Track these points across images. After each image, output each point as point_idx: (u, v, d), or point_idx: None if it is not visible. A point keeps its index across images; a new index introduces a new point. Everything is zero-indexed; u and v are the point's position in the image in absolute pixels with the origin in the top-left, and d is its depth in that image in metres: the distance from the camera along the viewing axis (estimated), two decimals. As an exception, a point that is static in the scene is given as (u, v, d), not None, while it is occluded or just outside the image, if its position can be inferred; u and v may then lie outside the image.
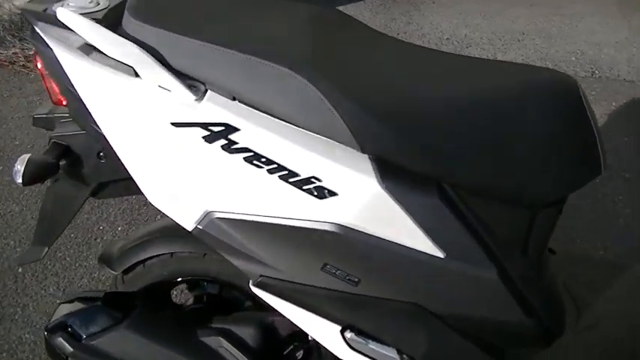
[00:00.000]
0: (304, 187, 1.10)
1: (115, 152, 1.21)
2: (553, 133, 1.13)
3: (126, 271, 1.50)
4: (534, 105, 1.13)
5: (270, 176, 1.11)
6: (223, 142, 1.10)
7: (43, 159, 1.29)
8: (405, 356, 1.26)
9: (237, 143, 1.10)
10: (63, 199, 1.39)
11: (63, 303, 1.46)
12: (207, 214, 1.20)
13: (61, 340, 1.37)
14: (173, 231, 1.50)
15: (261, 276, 1.24)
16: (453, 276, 1.16)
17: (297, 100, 1.06)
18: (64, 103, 1.26)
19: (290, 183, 1.11)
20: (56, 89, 1.25)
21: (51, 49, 1.15)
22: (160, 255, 1.46)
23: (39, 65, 1.25)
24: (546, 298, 1.24)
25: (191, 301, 1.59)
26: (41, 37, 1.16)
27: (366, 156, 1.08)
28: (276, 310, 1.39)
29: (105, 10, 1.20)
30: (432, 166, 1.08)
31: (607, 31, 4.62)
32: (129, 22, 1.15)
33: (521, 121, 1.12)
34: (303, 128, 1.08)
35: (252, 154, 1.10)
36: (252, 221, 1.18)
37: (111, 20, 1.18)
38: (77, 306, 1.43)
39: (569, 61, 4.05)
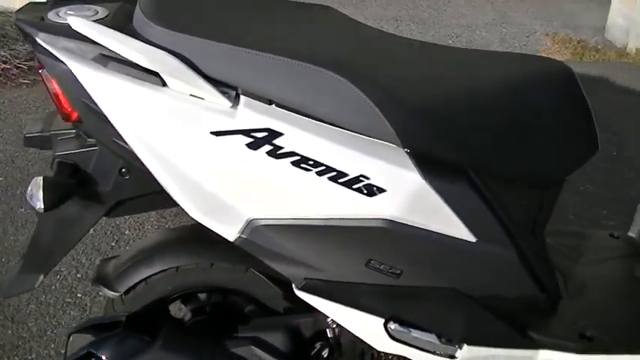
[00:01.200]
0: (354, 186, 1.20)
1: (142, 167, 1.21)
2: (559, 116, 1.35)
3: (126, 291, 1.48)
4: (540, 92, 1.34)
5: (319, 178, 1.19)
6: (268, 147, 1.16)
7: (58, 180, 1.25)
8: (443, 339, 1.44)
9: (282, 148, 1.16)
10: (69, 221, 1.34)
11: (74, 333, 1.41)
12: (250, 222, 1.24)
13: None
14: (176, 244, 1.51)
15: (305, 279, 1.33)
16: (483, 258, 1.33)
17: (338, 101, 1.15)
18: (75, 118, 1.23)
19: (340, 183, 1.20)
20: (65, 104, 1.22)
21: (62, 62, 1.15)
22: (164, 270, 1.46)
23: (49, 80, 1.21)
24: (550, 271, 1.49)
25: (189, 314, 1.61)
26: (46, 49, 1.16)
27: (403, 151, 1.21)
28: (294, 313, 1.50)
29: (106, 19, 1.22)
30: (462, 156, 1.23)
31: (475, 14, 5.15)
32: (149, 28, 1.17)
33: (531, 108, 1.32)
34: (344, 129, 1.18)
35: (299, 157, 1.17)
36: (299, 225, 1.25)
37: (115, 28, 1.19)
38: (88, 336, 1.41)
39: (448, 44, 4.47)
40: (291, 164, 1.18)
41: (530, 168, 1.34)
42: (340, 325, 1.47)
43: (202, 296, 1.62)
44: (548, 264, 1.45)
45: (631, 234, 1.94)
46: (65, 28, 1.18)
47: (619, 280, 1.76)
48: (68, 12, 1.25)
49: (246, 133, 1.16)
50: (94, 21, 1.19)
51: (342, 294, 1.33)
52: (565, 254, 1.66)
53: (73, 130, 1.32)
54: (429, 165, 1.21)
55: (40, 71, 1.23)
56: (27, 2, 1.33)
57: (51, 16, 1.23)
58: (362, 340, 1.47)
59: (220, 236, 1.47)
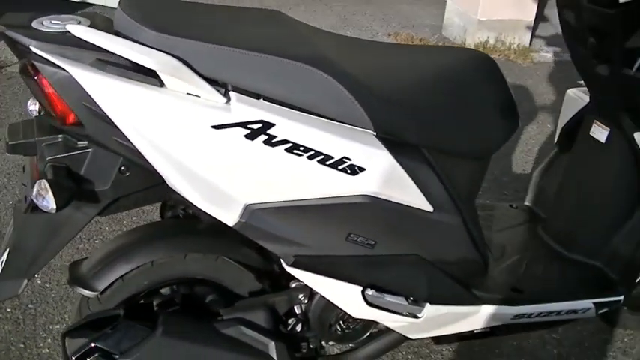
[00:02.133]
0: (339, 167, 1.46)
1: (145, 163, 1.38)
2: (487, 98, 1.72)
3: (103, 290, 1.58)
4: (472, 79, 1.72)
5: (310, 162, 1.43)
6: (264, 137, 1.39)
7: (62, 181, 1.38)
8: (410, 301, 1.73)
9: (276, 137, 1.39)
10: (58, 223, 1.45)
11: (69, 332, 1.52)
12: (247, 207, 1.45)
13: None
14: (149, 239, 1.65)
15: (295, 256, 1.57)
16: (437, 226, 1.64)
17: (320, 93, 1.41)
18: (70, 120, 1.36)
19: (327, 165, 1.45)
20: (62, 108, 1.35)
21: (61, 68, 1.29)
22: (140, 265, 1.59)
23: (44, 86, 1.33)
24: (482, 237, 1.84)
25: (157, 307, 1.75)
26: (42, 57, 1.29)
27: (373, 135, 1.52)
28: (267, 293, 1.72)
29: (91, 27, 1.36)
30: (417, 137, 1.53)
31: (318, 19, 5.58)
32: (141, 32, 1.34)
33: (465, 93, 1.69)
34: (325, 117, 1.44)
35: (291, 144, 1.41)
36: (291, 207, 1.48)
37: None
38: (84, 334, 1.53)
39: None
40: (284, 151, 1.41)
41: (468, 144, 1.67)
42: (309, 301, 1.73)
43: (165, 290, 1.78)
44: (480, 230, 1.80)
45: (527, 203, 2.35)
46: (58, 36, 1.33)
47: (527, 242, 2.16)
48: (54, 21, 1.38)
49: (242, 125, 1.37)
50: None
51: (325, 267, 1.58)
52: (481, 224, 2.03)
53: (59, 136, 1.44)
54: (394, 146, 1.50)
55: (35, 78, 1.34)
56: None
57: (36, 25, 1.35)
58: (330, 314, 1.74)
59: (190, 228, 1.68)
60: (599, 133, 2.03)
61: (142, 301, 1.69)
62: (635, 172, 1.99)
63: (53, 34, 1.33)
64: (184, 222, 1.77)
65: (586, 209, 2.10)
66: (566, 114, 2.26)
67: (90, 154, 1.43)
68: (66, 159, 1.42)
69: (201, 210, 1.46)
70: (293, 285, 1.73)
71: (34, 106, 1.57)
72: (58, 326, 2.18)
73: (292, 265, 1.53)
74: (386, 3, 6.23)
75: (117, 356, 1.46)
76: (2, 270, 1.48)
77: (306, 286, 1.69)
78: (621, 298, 1.98)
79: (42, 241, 1.47)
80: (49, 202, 1.32)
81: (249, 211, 1.45)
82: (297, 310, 1.74)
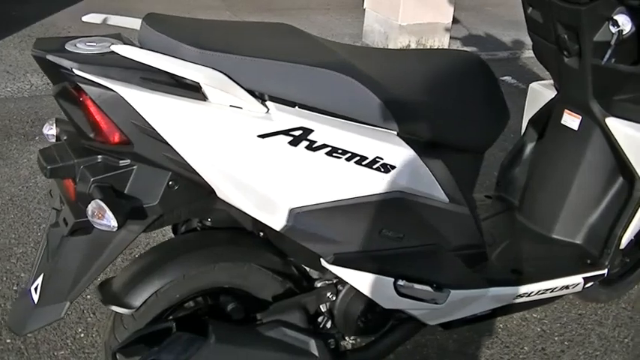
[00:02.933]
0: (374, 167, 1.57)
1: (194, 176, 1.44)
2: (484, 96, 1.88)
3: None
4: (469, 79, 1.86)
5: (348, 163, 1.54)
6: (305, 143, 1.48)
7: (116, 200, 1.41)
8: (434, 287, 1.85)
9: (316, 142, 1.49)
10: (102, 243, 1.49)
11: (121, 350, 1.56)
12: (292, 210, 1.54)
13: None
14: (179, 253, 1.69)
15: (334, 254, 1.67)
16: (451, 216, 1.78)
17: (348, 97, 1.52)
18: (115, 140, 1.41)
19: (363, 165, 1.56)
20: (108, 128, 1.39)
21: (108, 88, 1.33)
22: (172, 280, 1.63)
23: (89, 107, 1.38)
24: (480, 224, 1.99)
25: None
26: (87, 79, 1.32)
27: (395, 134, 1.64)
28: (287, 296, 1.80)
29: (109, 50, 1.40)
30: (432, 134, 1.66)
31: None
32: (180, 48, 1.40)
33: (465, 92, 1.84)
34: (354, 120, 1.55)
35: (330, 148, 1.51)
36: (331, 207, 1.58)
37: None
38: (136, 349, 1.57)
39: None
40: (325, 154, 1.51)
41: (469, 139, 1.81)
42: (336, 299, 1.82)
43: (189, 304, 1.83)
44: (479, 219, 1.95)
45: (500, 193, 2.52)
46: (99, 57, 1.37)
47: (510, 228, 2.33)
48: (89, 43, 1.42)
49: (285, 132, 1.46)
50: (103, 52, 1.39)
51: (361, 262, 1.68)
52: None
53: (99, 156, 1.47)
54: (415, 144, 1.62)
55: (80, 99, 1.39)
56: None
57: (70, 47, 1.39)
58: (355, 309, 1.84)
59: (215, 239, 1.74)
60: (571, 121, 2.21)
61: (171, 314, 1.72)
62: (607, 155, 2.18)
63: (94, 55, 1.37)
64: (208, 234, 1.82)
65: (562, 193, 2.27)
66: (532, 106, 2.44)
67: (134, 172, 1.46)
68: (110, 178, 1.45)
69: (251, 217, 1.52)
70: (319, 285, 1.81)
71: (51, 131, 1.59)
72: (62, 352, 2.17)
73: (332, 262, 1.62)
74: (298, 15, 6.37)
75: (179, 367, 1.49)
76: (40, 296, 1.50)
77: (331, 284, 1.78)
78: (605, 272, 2.17)
79: (85, 262, 1.50)
80: (109, 221, 1.36)
81: (294, 214, 1.54)
82: (323, 308, 1.82)
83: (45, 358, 2.15)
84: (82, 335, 2.25)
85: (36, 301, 1.52)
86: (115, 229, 1.37)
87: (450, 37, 5.48)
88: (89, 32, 4.53)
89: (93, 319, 2.32)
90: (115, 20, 1.60)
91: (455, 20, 5.62)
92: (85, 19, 1.59)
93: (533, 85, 2.44)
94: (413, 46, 5.34)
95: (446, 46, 5.46)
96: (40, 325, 1.53)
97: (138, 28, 1.55)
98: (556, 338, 2.42)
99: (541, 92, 2.38)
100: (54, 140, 1.60)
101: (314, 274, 1.85)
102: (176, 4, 6.05)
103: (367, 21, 5.63)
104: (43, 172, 1.48)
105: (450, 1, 5.34)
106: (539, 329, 2.46)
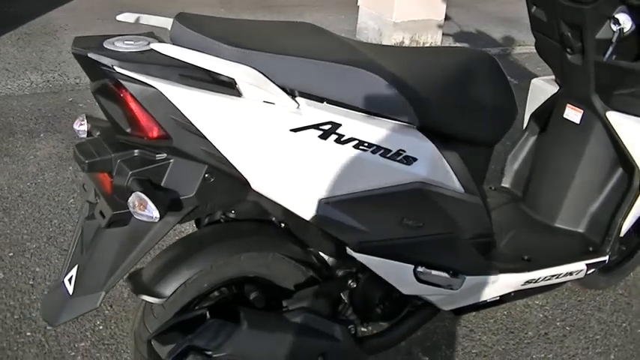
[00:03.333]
0: (397, 159, 1.66)
1: (230, 168, 1.52)
2: (494, 92, 1.98)
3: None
4: (481, 76, 1.96)
5: (374, 156, 1.63)
6: (334, 136, 1.57)
7: (156, 191, 1.48)
8: (451, 273, 1.95)
9: (344, 136, 1.58)
10: (138, 234, 1.56)
11: (156, 338, 1.64)
12: (321, 200, 1.63)
13: None
14: (206, 244, 1.76)
15: (359, 242, 1.76)
16: (465, 205, 1.88)
17: (372, 93, 1.60)
18: (154, 135, 1.48)
19: (388, 157, 1.64)
20: (147, 123, 1.46)
21: (149, 85, 1.40)
22: (201, 270, 1.71)
23: (130, 102, 1.44)
24: (489, 212, 2.09)
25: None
26: (128, 76, 1.39)
27: (415, 128, 1.74)
28: (309, 284, 1.89)
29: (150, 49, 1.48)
30: (448, 127, 1.76)
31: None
32: (215, 46, 1.47)
33: (478, 88, 1.93)
34: (378, 115, 1.65)
35: (357, 141, 1.59)
36: (357, 197, 1.67)
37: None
38: (172, 336, 1.65)
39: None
40: (352, 147, 1.60)
41: (481, 133, 1.91)
42: (356, 286, 1.91)
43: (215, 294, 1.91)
44: (489, 209, 2.05)
45: (504, 185, 2.62)
46: (138, 55, 1.44)
47: (516, 218, 2.43)
48: (126, 42, 1.50)
49: (315, 127, 1.55)
50: (141, 50, 1.46)
51: (384, 250, 1.77)
52: None
53: (135, 151, 1.54)
54: (433, 137, 1.72)
55: (120, 95, 1.45)
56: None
57: (108, 46, 1.46)
58: (374, 295, 1.93)
59: (240, 230, 1.82)
60: (574, 115, 2.32)
61: (199, 303, 1.80)
62: (608, 147, 2.28)
63: (134, 53, 1.44)
64: (233, 225, 1.90)
65: (565, 184, 2.38)
66: (534, 101, 2.54)
67: (170, 165, 1.54)
68: (147, 172, 1.52)
69: (281, 208, 1.61)
70: (340, 273, 1.89)
71: (82, 127, 1.66)
72: (82, 344, 2.24)
73: (358, 250, 1.71)
74: (292, 12, 6.44)
75: (210, 352, 1.58)
76: (76, 287, 1.57)
77: (352, 272, 1.87)
78: (606, 258, 2.27)
79: (121, 253, 1.57)
80: (151, 212, 1.42)
81: (323, 204, 1.62)
82: (343, 296, 1.91)
83: (66, 349, 2.21)
84: (101, 327, 2.32)
85: (71, 292, 1.58)
86: (157, 220, 1.43)
87: (443, 34, 5.58)
88: (89, 29, 4.57)
89: (110, 311, 2.39)
90: (146, 19, 1.67)
91: (446, 17, 5.72)
92: (119, 17, 1.66)
93: (535, 80, 2.54)
94: (407, 42, 5.44)
95: (439, 43, 5.57)
96: (75, 315, 1.59)
97: (165, 26, 1.62)
98: (558, 324, 2.53)
99: (543, 88, 2.48)
100: (85, 136, 1.66)
101: (334, 263, 1.93)
102: (169, 2, 6.10)
103: (361, 18, 5.72)
104: (80, 166, 1.54)
105: (443, -2, 5.45)
106: (541, 315, 2.57)
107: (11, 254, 2.62)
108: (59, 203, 2.95)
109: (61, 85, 4.11)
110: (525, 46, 5.57)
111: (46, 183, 3.12)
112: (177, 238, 2.18)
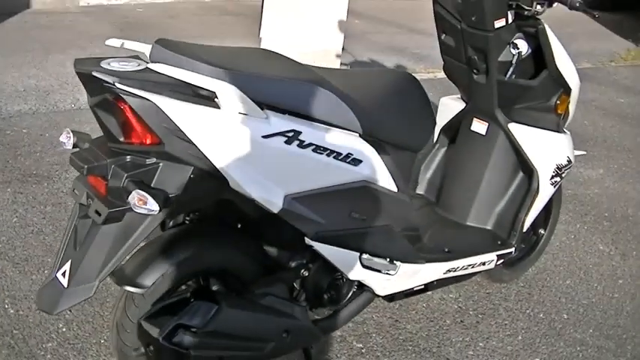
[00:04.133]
0: (347, 160, 2.00)
1: (212, 168, 1.79)
2: (419, 107, 2.37)
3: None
4: (403, 92, 2.35)
5: (328, 158, 1.96)
6: (297, 142, 1.89)
7: (152, 189, 1.74)
8: (388, 260, 2.29)
9: (304, 141, 1.90)
10: (132, 229, 1.81)
11: (146, 319, 1.89)
12: (286, 196, 1.93)
13: (181, 338, 1.83)
14: (179, 241, 2.03)
15: (316, 232, 2.07)
16: (398, 202, 2.25)
17: (326, 106, 1.94)
18: (148, 141, 1.75)
19: (339, 160, 1.98)
20: (143, 131, 1.74)
21: (145, 98, 1.68)
22: (178, 262, 1.96)
23: (127, 114, 1.72)
24: (415, 209, 2.46)
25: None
26: (127, 91, 1.66)
27: (358, 136, 2.09)
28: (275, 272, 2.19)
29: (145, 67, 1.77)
30: (384, 135, 2.13)
31: None
32: (197, 65, 1.77)
33: (406, 103, 2.32)
34: (329, 125, 1.98)
35: (315, 146, 1.92)
36: (315, 194, 1.98)
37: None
38: (162, 317, 1.89)
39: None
40: (311, 151, 1.92)
41: (409, 140, 2.28)
42: (308, 275, 2.22)
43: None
44: (413, 206, 2.42)
45: (419, 192, 3.00)
46: (135, 73, 1.72)
47: (433, 219, 2.80)
48: (121, 62, 1.77)
49: (281, 134, 1.86)
50: (135, 70, 1.74)
51: (336, 239, 2.09)
52: None
53: (127, 157, 1.80)
54: (373, 143, 2.07)
55: (122, 107, 1.73)
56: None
57: (105, 65, 1.73)
58: (323, 283, 2.24)
59: (205, 231, 2.09)
60: (480, 127, 2.72)
61: (173, 293, 2.05)
62: (510, 154, 2.70)
63: (131, 72, 1.72)
64: (199, 226, 2.18)
65: (474, 187, 2.77)
66: (443, 117, 2.93)
67: (160, 168, 1.80)
68: (140, 174, 1.78)
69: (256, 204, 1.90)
70: (293, 264, 2.20)
71: (67, 140, 1.91)
72: (50, 344, 2.43)
73: (314, 239, 2.02)
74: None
75: (196, 329, 1.86)
76: (70, 279, 1.81)
77: (304, 263, 2.18)
78: (513, 250, 2.67)
79: (115, 246, 1.81)
80: (152, 206, 1.69)
81: (288, 199, 1.93)
82: (296, 285, 2.22)
83: (35, 349, 2.40)
84: (64, 330, 2.52)
85: (65, 284, 1.81)
86: (156, 213, 1.70)
87: (341, 64, 5.99)
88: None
89: (70, 315, 2.58)
90: (129, 45, 1.94)
91: (342, 47, 6.13)
92: (107, 42, 1.92)
93: (443, 99, 2.94)
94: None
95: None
96: (72, 304, 1.83)
97: (143, 51, 1.89)
98: (471, 312, 2.91)
99: (451, 105, 2.88)
100: (70, 147, 1.90)
101: (287, 256, 2.22)
102: (67, 33, 6.26)
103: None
104: (80, 170, 1.79)
105: (341, 29, 5.85)
106: (456, 306, 2.94)
107: (-35, 269, 2.76)
108: (4, 222, 3.11)
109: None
110: (416, 74, 6.02)
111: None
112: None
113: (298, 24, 5.64)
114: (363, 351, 2.60)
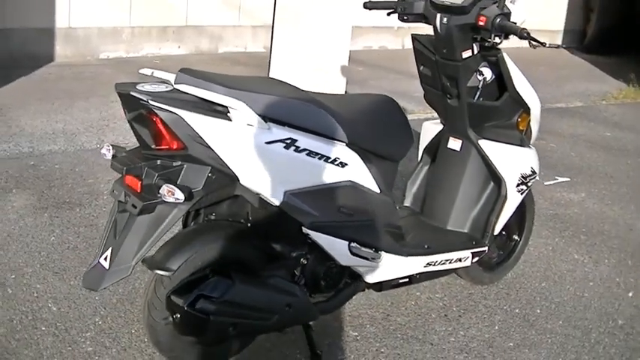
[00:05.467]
0: (335, 163, 2.50)
1: (226, 169, 2.28)
2: (395, 124, 2.88)
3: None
4: (383, 111, 2.86)
5: (319, 161, 2.44)
6: (294, 147, 2.37)
7: (179, 184, 2.24)
8: (374, 250, 2.76)
9: (300, 147, 2.39)
10: (162, 218, 2.27)
11: (172, 294, 2.36)
12: (286, 192, 2.41)
13: (202, 306, 2.30)
14: (201, 234, 2.50)
15: (311, 222, 2.55)
16: (380, 202, 2.72)
17: (317, 120, 2.43)
18: (175, 147, 2.25)
19: (329, 163, 2.47)
20: (171, 138, 2.24)
21: (174, 112, 2.19)
22: (198, 250, 2.43)
23: (159, 125, 2.22)
24: (397, 210, 2.95)
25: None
26: (160, 107, 2.17)
27: (345, 144, 2.59)
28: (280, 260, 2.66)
29: (172, 89, 2.30)
30: (368, 145, 2.61)
31: None
32: (213, 87, 2.27)
33: (386, 120, 2.82)
34: (320, 135, 2.48)
35: (309, 151, 2.41)
36: (310, 190, 2.46)
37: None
38: (185, 290, 2.37)
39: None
40: (306, 155, 2.41)
41: (389, 151, 2.78)
42: (306, 263, 2.70)
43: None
44: (396, 207, 2.90)
45: (405, 204, 3.48)
46: (165, 93, 2.23)
47: (417, 225, 3.28)
48: (153, 85, 2.30)
49: (281, 141, 2.35)
50: (164, 91, 2.26)
51: (328, 229, 2.56)
52: None
53: (158, 160, 2.31)
54: (358, 151, 2.57)
55: (154, 120, 2.24)
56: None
57: (140, 87, 2.25)
58: (319, 270, 2.71)
59: (225, 226, 2.58)
60: (455, 144, 3.22)
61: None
62: (482, 166, 3.18)
63: (161, 92, 2.24)
64: (215, 223, 2.67)
65: (452, 197, 3.24)
66: (425, 139, 3.43)
67: (184, 169, 2.30)
68: (168, 173, 2.28)
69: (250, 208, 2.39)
70: (294, 254, 2.67)
71: (108, 151, 2.41)
72: (88, 334, 2.87)
73: (310, 228, 2.50)
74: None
75: (214, 298, 2.33)
76: (111, 262, 2.28)
77: (303, 254, 2.65)
78: (486, 249, 3.14)
79: (148, 232, 2.28)
80: (179, 195, 2.17)
81: (287, 194, 2.41)
82: (297, 272, 2.69)
83: (76, 337, 2.85)
84: (100, 322, 2.97)
85: (107, 267, 2.28)
86: (182, 201, 2.18)
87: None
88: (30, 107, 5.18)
89: (104, 311, 3.04)
90: (158, 73, 2.46)
91: (345, 92, 6.66)
92: (141, 71, 2.44)
93: (425, 123, 3.44)
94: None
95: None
96: (113, 281, 2.31)
97: (169, 78, 2.40)
98: (454, 308, 3.35)
99: (431, 128, 3.38)
100: (110, 157, 2.41)
101: (286, 249, 2.69)
102: (90, 83, 6.81)
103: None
104: (120, 172, 2.29)
105: (343, 74, 6.40)
106: (441, 304, 3.39)
107: (13, 277, 3.24)
108: (43, 240, 3.61)
109: (18, 153, 4.75)
110: (415, 114, 6.50)
111: (27, 226, 3.76)
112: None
113: (303, 70, 6.16)
114: (358, 338, 3.03)
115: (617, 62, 10.60)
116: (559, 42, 11.78)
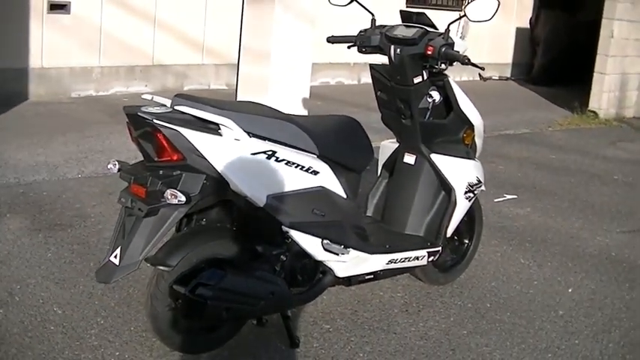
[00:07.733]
0: (309, 172, 3.00)
1: (219, 176, 2.74)
2: (357, 140, 3.39)
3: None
4: (347, 129, 3.38)
5: (295, 169, 2.92)
6: (274, 158, 2.85)
7: (179, 189, 2.73)
8: (343, 247, 3.23)
9: (279, 157, 2.87)
10: (165, 219, 2.71)
11: (174, 283, 2.80)
12: (268, 195, 2.89)
13: (201, 292, 2.74)
14: (197, 234, 2.99)
15: (289, 222, 3.03)
16: (347, 206, 3.22)
17: (293, 135, 2.94)
18: (175, 158, 2.73)
19: (304, 171, 2.95)
20: (172, 151, 2.70)
21: (174, 129, 2.66)
22: (196, 247, 2.90)
23: (162, 140, 2.69)
24: (362, 214, 3.45)
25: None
26: (163, 124, 2.65)
27: (316, 156, 3.10)
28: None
29: (172, 110, 2.79)
30: (334, 157, 3.12)
31: None
32: (205, 107, 2.78)
33: (349, 138, 3.34)
34: (295, 148, 2.99)
35: (287, 161, 2.90)
36: (288, 194, 2.96)
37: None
38: (185, 279, 2.82)
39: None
40: (284, 165, 2.90)
41: (353, 163, 3.29)
42: (285, 259, 3.16)
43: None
44: (360, 211, 3.41)
45: (368, 214, 3.97)
46: (166, 113, 2.71)
47: (378, 230, 3.76)
48: (156, 107, 2.80)
49: (263, 152, 2.84)
50: (165, 112, 2.74)
51: (303, 227, 3.03)
52: None
53: (160, 170, 2.79)
54: (327, 161, 3.07)
55: (157, 136, 2.74)
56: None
57: (145, 109, 2.76)
58: (296, 266, 3.19)
59: (216, 228, 3.05)
60: (410, 159, 3.73)
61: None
62: (434, 177, 3.70)
63: (164, 112, 2.72)
64: (206, 226, 3.13)
65: (408, 205, 3.74)
66: (383, 156, 3.94)
67: (183, 177, 2.77)
68: (170, 181, 2.74)
69: (252, 204, 2.87)
70: (275, 252, 3.15)
71: (114, 166, 2.88)
72: (93, 331, 3.28)
73: (288, 227, 2.97)
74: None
75: (211, 285, 2.77)
76: (121, 259, 2.71)
77: (283, 251, 3.12)
78: (440, 249, 3.64)
79: (153, 232, 2.73)
80: (181, 198, 2.63)
81: (269, 197, 2.88)
82: (277, 267, 3.16)
83: (82, 334, 3.25)
84: (102, 322, 3.37)
85: (117, 263, 2.72)
86: (183, 203, 2.64)
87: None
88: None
89: (105, 313, 3.46)
90: (156, 98, 2.94)
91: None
92: (143, 96, 2.92)
93: (383, 142, 3.96)
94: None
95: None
96: (123, 275, 2.76)
97: (165, 102, 2.87)
98: (414, 305, 3.83)
99: (389, 146, 3.89)
100: (116, 171, 2.88)
101: (268, 248, 3.16)
102: (65, 120, 7.23)
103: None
104: (128, 180, 2.75)
105: (305, 108, 6.90)
106: (402, 301, 3.86)
107: (18, 287, 3.64)
108: (41, 256, 4.02)
109: (6, 183, 5.16)
110: (373, 142, 7.04)
111: (25, 245, 4.15)
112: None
113: (265, 102, 6.67)
114: (330, 330, 3.48)
115: (563, 92, 11.34)
116: (508, 74, 12.51)
